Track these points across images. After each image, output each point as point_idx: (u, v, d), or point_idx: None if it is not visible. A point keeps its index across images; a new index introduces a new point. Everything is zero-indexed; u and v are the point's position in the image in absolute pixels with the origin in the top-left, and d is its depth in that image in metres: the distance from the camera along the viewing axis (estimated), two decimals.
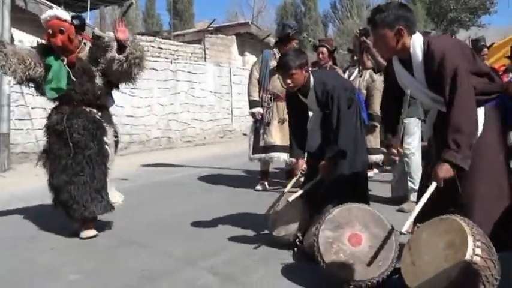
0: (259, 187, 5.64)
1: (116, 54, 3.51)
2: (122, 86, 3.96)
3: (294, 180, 3.58)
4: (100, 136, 3.69)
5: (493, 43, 7.94)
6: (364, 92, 5.66)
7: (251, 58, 15.10)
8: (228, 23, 18.66)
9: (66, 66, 3.62)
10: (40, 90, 3.76)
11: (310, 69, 3.48)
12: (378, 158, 5.95)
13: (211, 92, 13.01)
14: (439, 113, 2.58)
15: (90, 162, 3.61)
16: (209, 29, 15.10)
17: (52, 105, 3.85)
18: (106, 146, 3.73)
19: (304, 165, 3.50)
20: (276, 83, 5.44)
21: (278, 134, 5.44)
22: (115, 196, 3.85)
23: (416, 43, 2.52)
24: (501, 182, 2.54)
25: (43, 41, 3.81)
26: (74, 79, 3.61)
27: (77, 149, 3.60)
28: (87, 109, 3.69)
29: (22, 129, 8.25)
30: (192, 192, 5.66)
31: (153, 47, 12.07)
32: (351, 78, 5.65)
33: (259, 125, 5.54)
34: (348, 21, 28.68)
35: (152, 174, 7.05)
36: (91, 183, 3.60)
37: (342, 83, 3.56)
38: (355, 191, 3.37)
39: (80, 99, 3.65)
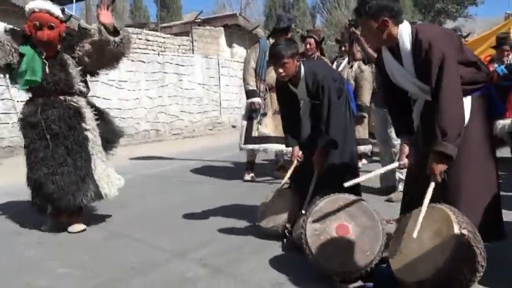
0: (247, 177, 5.65)
1: (111, 37, 3.48)
2: (101, 74, 3.91)
3: (292, 168, 3.55)
4: (78, 123, 3.61)
5: (469, 33, 8.07)
6: (353, 82, 5.67)
7: (239, 50, 15.06)
8: (216, 15, 18.54)
9: (43, 59, 3.53)
10: (14, 79, 3.65)
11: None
12: (366, 148, 5.99)
13: (199, 84, 12.96)
14: (427, 102, 2.59)
15: (71, 153, 3.56)
16: (197, 20, 15.00)
17: (27, 96, 3.74)
18: (86, 132, 3.64)
19: (300, 153, 3.50)
20: (272, 74, 5.43)
21: (272, 125, 5.44)
22: (113, 181, 3.71)
23: (403, 32, 2.52)
24: (487, 171, 2.56)
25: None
26: (48, 71, 3.53)
27: (56, 141, 3.54)
28: (62, 97, 3.61)
29: (8, 123, 8.16)
30: (181, 185, 5.65)
31: (140, 39, 11.97)
32: (340, 69, 5.65)
33: (256, 115, 5.51)
34: (336, 12, 28.61)
35: (141, 167, 7.01)
36: (75, 172, 3.54)
37: (331, 73, 3.56)
38: (345, 181, 3.37)
39: (52, 90, 3.57)
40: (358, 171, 3.74)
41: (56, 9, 3.55)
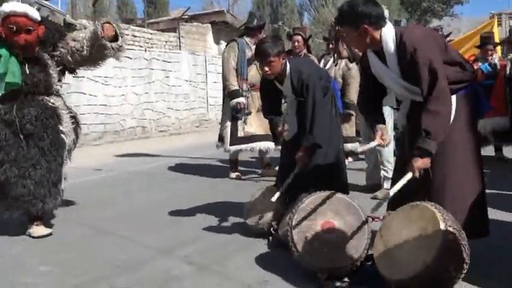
0: (233, 175, 5.65)
1: (109, 43, 3.45)
2: (87, 70, 3.87)
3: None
4: (55, 125, 3.50)
5: (450, 32, 8.17)
6: (340, 80, 5.69)
7: None
8: (203, 12, 18.48)
9: (22, 60, 3.38)
10: None
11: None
12: (353, 146, 6.00)
13: (186, 80, 12.90)
14: (413, 102, 2.61)
15: (45, 155, 3.43)
16: (184, 17, 14.94)
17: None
18: (62, 135, 3.54)
19: (286, 126, 3.53)
20: (252, 73, 5.43)
21: (257, 124, 5.44)
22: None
23: (387, 36, 2.52)
24: (472, 170, 2.59)
25: None
26: (28, 72, 3.40)
27: (30, 141, 3.41)
28: (39, 97, 3.48)
29: None
30: (168, 182, 5.63)
31: (127, 35, 11.87)
32: (327, 67, 5.66)
33: (240, 115, 5.49)
34: (324, 10, 28.68)
35: (127, 164, 6.95)
36: (48, 177, 3.43)
37: (317, 71, 3.57)
38: (331, 179, 3.39)
39: (30, 91, 3.43)
40: (345, 169, 3.75)
41: (33, 11, 3.37)
